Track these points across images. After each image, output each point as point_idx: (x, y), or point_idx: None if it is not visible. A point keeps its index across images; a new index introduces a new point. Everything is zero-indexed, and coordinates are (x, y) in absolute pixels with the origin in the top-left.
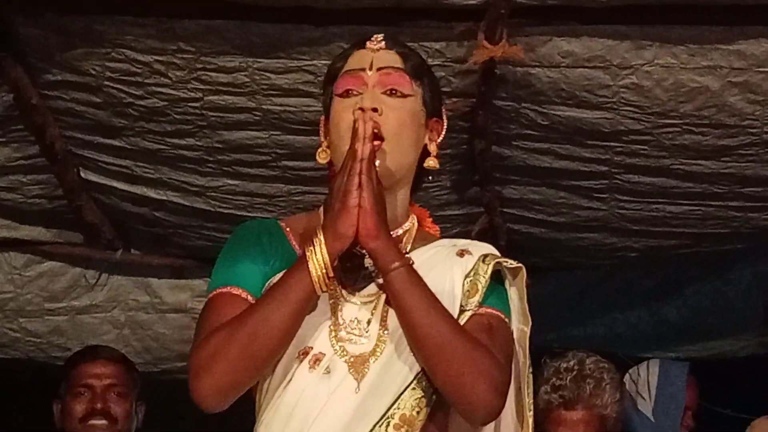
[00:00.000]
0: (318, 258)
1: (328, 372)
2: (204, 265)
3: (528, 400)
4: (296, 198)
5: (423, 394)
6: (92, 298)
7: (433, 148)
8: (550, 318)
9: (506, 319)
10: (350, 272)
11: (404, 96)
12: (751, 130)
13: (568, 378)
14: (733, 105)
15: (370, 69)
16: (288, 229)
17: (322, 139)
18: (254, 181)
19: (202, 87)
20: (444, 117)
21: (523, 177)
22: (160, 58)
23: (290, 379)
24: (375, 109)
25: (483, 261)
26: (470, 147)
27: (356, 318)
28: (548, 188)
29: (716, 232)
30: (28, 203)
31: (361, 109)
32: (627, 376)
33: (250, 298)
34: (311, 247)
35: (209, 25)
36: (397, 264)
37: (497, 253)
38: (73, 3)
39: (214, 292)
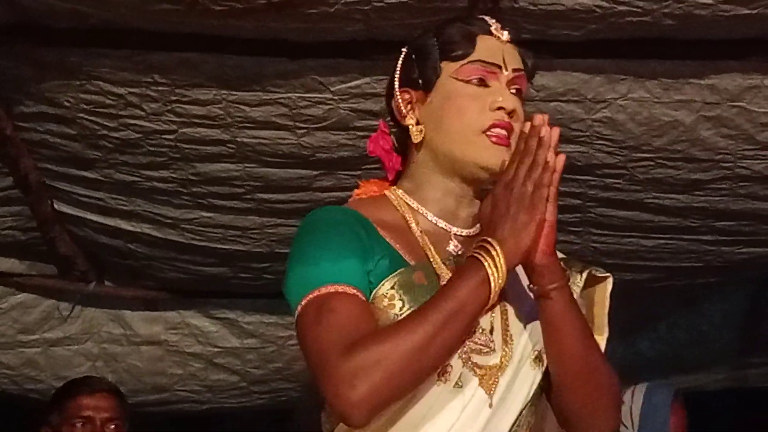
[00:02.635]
0: (499, 272)
1: (461, 386)
2: (177, 297)
3: None
4: (270, 230)
5: (535, 410)
6: (66, 330)
7: None
8: None
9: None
10: None
11: (521, 98)
12: (724, 165)
13: None
14: (706, 139)
15: (506, 68)
16: (371, 220)
17: (405, 112)
18: (228, 213)
19: (176, 119)
20: None
21: None
22: (134, 90)
23: (415, 392)
24: (512, 112)
25: (580, 272)
26: None
27: (480, 327)
28: None
29: (689, 266)
30: (1, 235)
31: (501, 108)
32: None
33: (364, 299)
34: (490, 261)
35: (184, 57)
36: (562, 282)
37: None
38: (47, 35)
39: (325, 290)
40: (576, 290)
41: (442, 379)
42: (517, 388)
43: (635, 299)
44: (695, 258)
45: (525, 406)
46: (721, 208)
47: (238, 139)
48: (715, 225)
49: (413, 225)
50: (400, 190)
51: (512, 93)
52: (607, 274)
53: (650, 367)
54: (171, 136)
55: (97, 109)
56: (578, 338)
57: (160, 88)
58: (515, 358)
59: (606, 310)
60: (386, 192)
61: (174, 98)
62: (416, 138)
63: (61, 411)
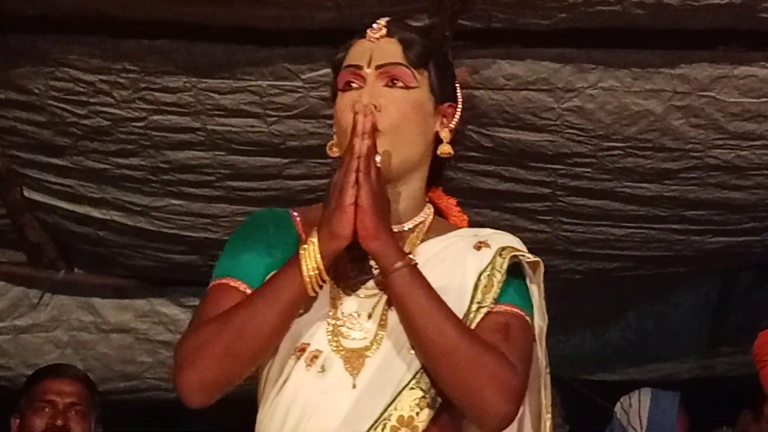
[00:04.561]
0: (310, 258)
1: (323, 370)
2: (147, 285)
3: (546, 402)
4: (240, 219)
5: (423, 394)
6: (35, 317)
7: (445, 134)
8: None
9: (526, 316)
10: (356, 265)
11: (407, 88)
12: (694, 154)
13: None
14: (676, 129)
15: (369, 66)
16: (299, 218)
17: (335, 130)
18: (198, 201)
19: (146, 107)
20: (459, 99)
21: (467, 199)
22: (104, 78)
23: (287, 378)
24: (374, 106)
25: (500, 255)
26: None
27: (356, 312)
28: (492, 210)
29: (659, 255)
30: None
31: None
32: (618, 405)
33: (248, 290)
34: (305, 246)
35: (153, 44)
36: (398, 264)
37: (518, 245)
38: (16, 21)
39: (213, 283)
40: (497, 275)
41: (310, 363)
42: (392, 371)
43: (605, 288)
44: (665, 247)
45: (402, 389)
46: (691, 197)
47: (208, 127)
48: (685, 214)
49: None
50: None
51: (388, 86)
52: (537, 259)
53: (619, 357)
54: (141, 124)
55: (66, 96)
56: (425, 320)
57: (130, 76)
58: (388, 342)
59: (542, 297)
60: None
61: (144, 86)
62: (330, 153)
63: (27, 396)
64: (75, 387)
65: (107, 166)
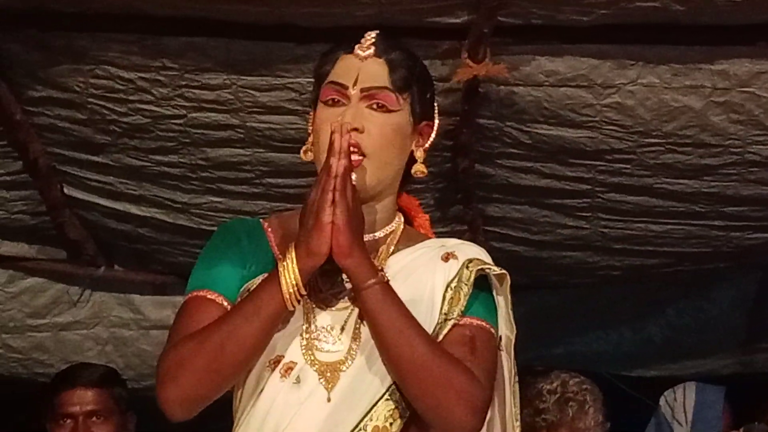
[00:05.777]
0: (290, 275)
1: (298, 382)
2: (186, 281)
3: (515, 410)
4: None
5: (396, 405)
6: (75, 314)
7: (420, 154)
8: (532, 336)
9: (492, 329)
10: (327, 279)
11: (390, 111)
12: (734, 150)
13: (551, 401)
14: (716, 125)
15: (354, 86)
16: (270, 229)
17: (310, 131)
18: (237, 198)
19: (185, 104)
20: (435, 117)
21: (506, 195)
22: (143, 75)
23: (262, 389)
24: (356, 128)
25: (466, 267)
26: (453, 165)
27: (329, 325)
28: (531, 207)
29: (698, 252)
30: (10, 219)
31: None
32: (662, 399)
33: (225, 303)
34: (284, 263)
35: (193, 42)
36: (371, 282)
37: (484, 257)
38: (57, 19)
39: (190, 295)
40: (464, 288)
41: (285, 375)
42: (367, 383)
43: (643, 285)
44: (704, 243)
45: (377, 401)
46: (730, 193)
47: (248, 124)
48: (725, 210)
49: None
50: None
51: (372, 108)
52: (503, 271)
53: (658, 353)
54: (180, 121)
55: (106, 94)
56: (396, 336)
57: (169, 73)
58: (362, 355)
59: (509, 308)
60: None
61: (183, 83)
62: (304, 156)
63: (48, 410)
64: (90, 394)
65: (147, 164)
